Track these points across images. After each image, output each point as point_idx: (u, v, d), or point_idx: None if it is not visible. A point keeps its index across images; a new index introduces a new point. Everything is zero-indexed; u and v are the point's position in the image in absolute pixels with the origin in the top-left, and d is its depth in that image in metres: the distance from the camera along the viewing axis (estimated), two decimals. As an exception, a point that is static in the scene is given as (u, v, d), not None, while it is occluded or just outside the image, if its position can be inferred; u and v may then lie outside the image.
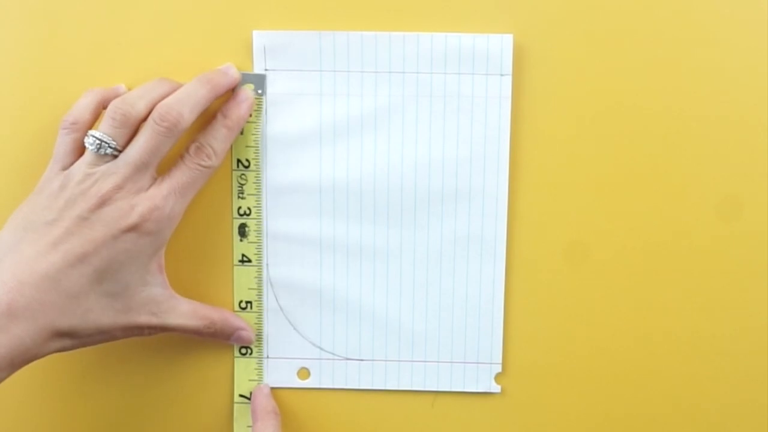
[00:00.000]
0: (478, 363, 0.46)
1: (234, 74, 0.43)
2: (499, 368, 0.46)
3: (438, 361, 0.46)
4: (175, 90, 0.41)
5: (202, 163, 0.41)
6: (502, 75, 0.44)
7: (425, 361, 0.46)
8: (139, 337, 0.42)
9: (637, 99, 0.44)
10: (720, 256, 0.45)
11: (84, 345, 0.40)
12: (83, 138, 0.40)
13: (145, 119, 0.40)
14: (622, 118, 0.44)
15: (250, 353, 0.46)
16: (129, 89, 0.43)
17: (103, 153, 0.39)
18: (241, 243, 0.45)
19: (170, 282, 0.43)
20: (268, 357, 0.46)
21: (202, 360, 0.46)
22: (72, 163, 0.41)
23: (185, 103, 0.40)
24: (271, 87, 0.44)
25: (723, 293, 0.45)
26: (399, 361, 0.46)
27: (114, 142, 0.40)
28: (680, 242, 0.45)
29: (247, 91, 0.43)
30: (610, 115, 0.44)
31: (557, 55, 0.44)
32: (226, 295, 0.46)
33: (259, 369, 0.46)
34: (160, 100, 0.40)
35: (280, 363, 0.46)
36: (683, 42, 0.43)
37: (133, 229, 0.39)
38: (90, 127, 0.41)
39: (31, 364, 0.38)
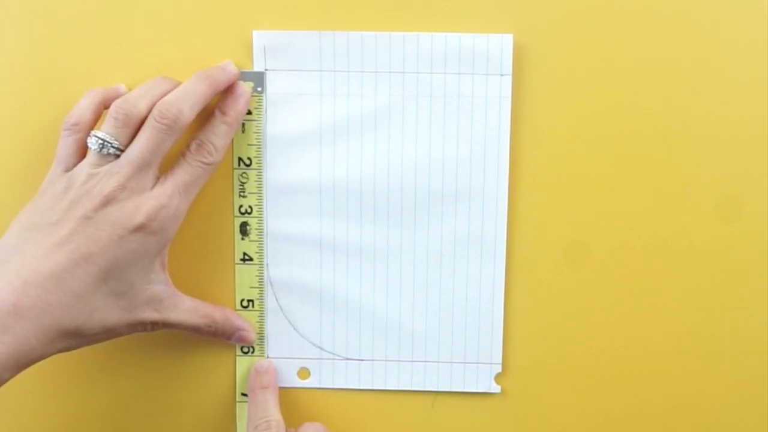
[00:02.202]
0: (478, 363, 0.46)
1: (232, 70, 0.43)
2: (499, 368, 0.46)
3: (438, 361, 0.46)
4: (175, 88, 0.41)
5: (204, 160, 0.41)
6: (502, 75, 0.44)
7: (425, 361, 0.46)
8: (141, 337, 0.43)
9: (637, 99, 0.44)
10: (720, 256, 0.45)
11: (88, 344, 0.40)
12: (85, 139, 0.40)
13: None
14: (622, 118, 0.44)
15: (252, 352, 0.46)
16: (129, 89, 0.43)
17: (105, 153, 0.39)
18: (243, 241, 0.45)
19: (172, 280, 0.43)
20: (268, 357, 0.46)
21: (204, 359, 0.46)
22: (75, 164, 0.41)
23: (185, 100, 0.40)
24: (271, 87, 0.44)
25: (723, 293, 0.45)
26: (399, 361, 0.46)
27: (117, 142, 0.40)
28: (680, 242, 0.45)
29: (244, 86, 0.43)
30: (610, 115, 0.44)
31: (557, 55, 0.44)
32: (228, 293, 0.46)
33: None
34: (161, 99, 0.40)
35: (281, 363, 0.46)
36: (683, 42, 0.43)
37: (140, 229, 0.39)
38: (92, 128, 0.41)
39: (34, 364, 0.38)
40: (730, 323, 0.45)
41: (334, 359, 0.46)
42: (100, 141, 0.39)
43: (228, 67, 0.43)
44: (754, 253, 0.45)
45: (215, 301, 0.45)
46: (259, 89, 0.44)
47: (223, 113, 0.42)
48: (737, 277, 0.45)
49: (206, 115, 0.42)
